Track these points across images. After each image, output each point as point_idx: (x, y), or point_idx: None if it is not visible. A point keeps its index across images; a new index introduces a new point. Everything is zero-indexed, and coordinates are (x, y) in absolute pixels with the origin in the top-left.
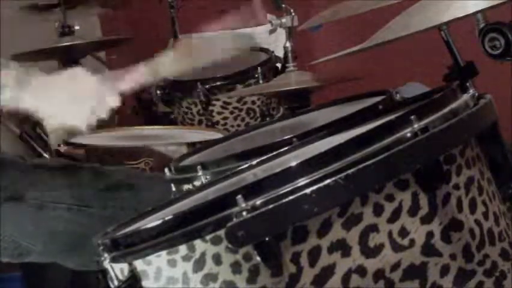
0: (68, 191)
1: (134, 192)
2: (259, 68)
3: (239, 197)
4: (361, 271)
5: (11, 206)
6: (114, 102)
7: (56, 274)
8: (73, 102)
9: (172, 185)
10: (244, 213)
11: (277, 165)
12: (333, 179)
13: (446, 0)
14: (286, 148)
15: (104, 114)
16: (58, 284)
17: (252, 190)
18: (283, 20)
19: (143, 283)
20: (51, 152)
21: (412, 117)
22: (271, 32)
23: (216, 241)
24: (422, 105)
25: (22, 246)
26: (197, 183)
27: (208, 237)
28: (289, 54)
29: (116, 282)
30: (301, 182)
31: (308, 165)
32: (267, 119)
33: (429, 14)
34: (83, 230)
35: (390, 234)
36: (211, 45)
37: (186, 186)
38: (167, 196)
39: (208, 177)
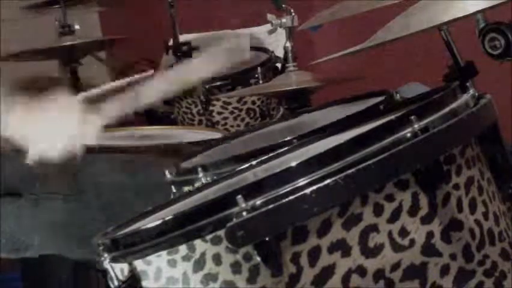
0: (63, 181)
1: (129, 176)
2: (259, 68)
3: (239, 197)
4: (361, 271)
5: (8, 200)
6: (91, 138)
7: (56, 274)
8: (53, 131)
9: (173, 187)
10: (244, 213)
11: (277, 165)
12: (333, 179)
13: (446, 0)
14: (286, 148)
15: (79, 148)
16: (58, 284)
17: (252, 190)
18: (283, 20)
19: (143, 283)
20: None
21: (412, 117)
22: (271, 32)
23: (216, 241)
24: (422, 105)
25: (20, 240)
26: (198, 185)
27: (208, 237)
28: (289, 54)
29: (116, 282)
30: (301, 182)
31: (308, 165)
32: (267, 119)
33: (429, 14)
34: (81, 220)
35: (390, 234)
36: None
37: (187, 189)
38: (163, 182)
39: (208, 179)
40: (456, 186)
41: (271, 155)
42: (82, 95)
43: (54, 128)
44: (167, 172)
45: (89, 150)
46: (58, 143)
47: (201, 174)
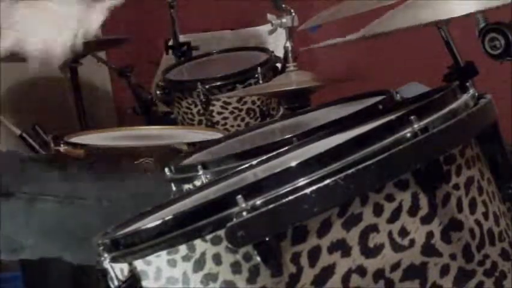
0: (59, 183)
1: (129, 182)
2: (259, 68)
3: (239, 197)
4: (361, 271)
5: (3, 201)
6: (98, 20)
7: (57, 274)
8: (54, 24)
9: (173, 184)
10: (244, 213)
11: (277, 165)
12: (333, 179)
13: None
14: (286, 148)
15: (89, 34)
16: (59, 285)
17: (252, 190)
18: (283, 20)
19: (143, 283)
20: (50, 151)
21: (412, 117)
22: (271, 32)
23: (216, 241)
24: (422, 105)
25: (16, 241)
26: (197, 182)
27: (208, 237)
28: (289, 54)
29: (116, 282)
30: (301, 182)
31: (308, 165)
32: (267, 119)
33: (427, 10)
34: (79, 223)
35: (390, 234)
36: None
37: (187, 186)
38: (163, 188)
39: (208, 176)
40: (456, 186)
41: (271, 154)
42: None
43: (55, 21)
44: (166, 170)
45: (88, 154)
46: (60, 37)
47: (200, 172)
